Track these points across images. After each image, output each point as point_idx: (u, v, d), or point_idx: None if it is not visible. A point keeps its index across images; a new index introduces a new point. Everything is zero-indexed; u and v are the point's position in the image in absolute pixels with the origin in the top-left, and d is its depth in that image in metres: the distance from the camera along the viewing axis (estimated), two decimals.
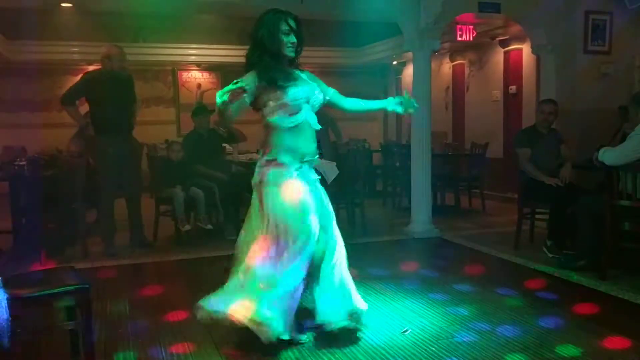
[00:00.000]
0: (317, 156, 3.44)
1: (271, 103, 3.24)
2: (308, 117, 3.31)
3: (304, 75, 3.42)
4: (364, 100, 3.70)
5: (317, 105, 3.39)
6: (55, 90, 10.85)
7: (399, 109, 3.57)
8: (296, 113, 3.26)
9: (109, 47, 5.62)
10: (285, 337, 3.18)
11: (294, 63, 3.40)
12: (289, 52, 3.30)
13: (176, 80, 11.69)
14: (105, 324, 3.66)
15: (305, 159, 3.33)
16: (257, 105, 3.31)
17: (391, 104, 3.60)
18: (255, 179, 3.36)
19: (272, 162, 3.28)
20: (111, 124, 5.51)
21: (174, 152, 6.29)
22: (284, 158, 3.26)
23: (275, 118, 3.26)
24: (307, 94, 3.32)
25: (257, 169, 3.37)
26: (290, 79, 3.28)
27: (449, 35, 8.29)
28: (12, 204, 5.47)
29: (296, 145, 3.28)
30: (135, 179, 5.87)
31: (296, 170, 3.29)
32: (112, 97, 5.51)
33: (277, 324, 3.13)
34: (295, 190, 3.25)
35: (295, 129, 3.27)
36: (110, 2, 5.92)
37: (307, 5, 5.73)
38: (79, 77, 5.00)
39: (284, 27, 3.24)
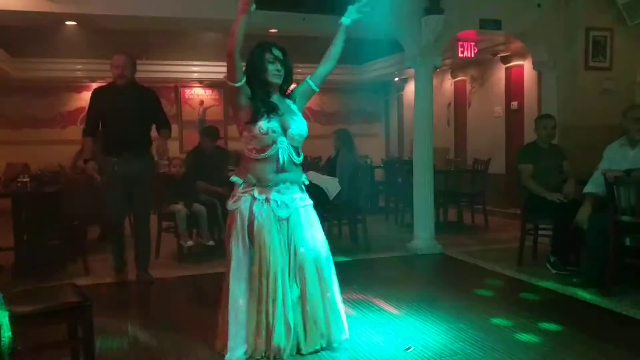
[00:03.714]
0: (294, 185, 3.42)
1: (245, 133, 3.30)
2: (282, 150, 3.30)
3: (293, 107, 3.44)
4: (330, 49, 3.58)
5: (297, 135, 3.36)
6: (59, 107, 10.96)
7: (355, 16, 3.50)
8: (269, 145, 3.27)
9: (114, 56, 5.03)
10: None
11: (283, 91, 3.45)
12: (275, 79, 3.35)
13: (179, 97, 11.76)
14: (106, 341, 3.64)
15: (272, 187, 3.32)
16: (239, 124, 3.35)
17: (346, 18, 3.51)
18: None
19: (245, 191, 3.34)
20: (117, 140, 4.95)
21: (175, 167, 6.31)
22: (246, 183, 3.33)
23: (249, 149, 3.31)
24: (284, 126, 3.31)
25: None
26: (270, 110, 3.28)
27: (450, 51, 8.34)
28: (14, 221, 5.47)
29: (264, 175, 3.30)
30: (144, 203, 5.24)
31: (256, 197, 3.30)
32: (117, 111, 4.92)
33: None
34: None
35: (266, 160, 3.29)
36: (114, 20, 5.95)
37: (308, 23, 5.77)
38: (82, 94, 4.93)
39: (268, 56, 3.33)
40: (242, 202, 3.32)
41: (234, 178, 3.40)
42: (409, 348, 3.45)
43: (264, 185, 3.31)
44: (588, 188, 4.79)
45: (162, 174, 6.63)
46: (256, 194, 3.31)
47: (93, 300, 2.83)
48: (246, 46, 3.26)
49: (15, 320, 2.45)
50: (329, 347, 3.37)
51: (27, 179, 5.53)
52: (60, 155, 8.71)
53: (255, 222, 3.28)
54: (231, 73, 3.21)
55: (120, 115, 4.92)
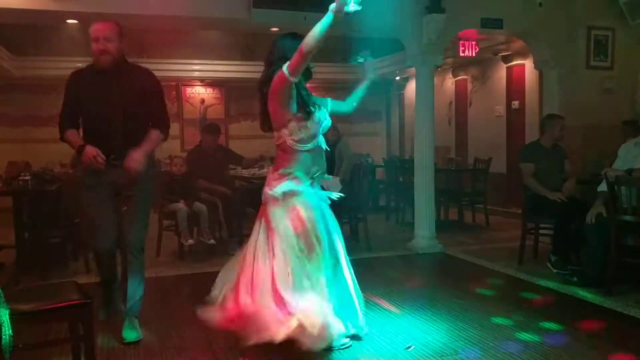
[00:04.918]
0: (326, 175, 3.57)
1: (293, 124, 3.34)
2: (321, 140, 3.47)
3: (316, 99, 3.56)
4: (352, 96, 3.81)
5: (326, 128, 3.53)
6: (60, 106, 10.95)
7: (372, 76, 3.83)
8: (314, 136, 3.40)
9: (92, 25, 3.70)
10: None
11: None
12: (310, 76, 3.48)
13: (180, 96, 11.76)
14: (107, 339, 3.65)
15: (315, 177, 3.46)
16: (278, 123, 3.38)
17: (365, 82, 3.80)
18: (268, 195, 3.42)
19: (287, 175, 3.38)
20: (102, 139, 3.56)
21: (176, 166, 6.31)
22: (299, 174, 3.39)
23: (295, 140, 3.36)
24: (323, 117, 3.47)
25: (267, 185, 3.44)
26: (313, 102, 3.44)
27: (451, 50, 8.33)
28: (15, 219, 5.48)
29: (310, 165, 3.41)
30: (138, 228, 3.71)
31: (306, 186, 3.40)
32: (102, 100, 3.58)
33: None
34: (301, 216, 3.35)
35: (313, 150, 3.41)
36: (116, 18, 5.91)
37: (310, 22, 5.76)
38: None
39: None
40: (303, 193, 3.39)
41: (285, 170, 3.41)
42: (409, 347, 3.46)
43: (309, 179, 3.42)
44: (602, 187, 4.76)
45: (163, 172, 6.63)
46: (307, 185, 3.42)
47: (94, 298, 2.84)
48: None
49: (17, 318, 2.46)
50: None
51: (28, 177, 5.53)
52: (62, 153, 8.69)
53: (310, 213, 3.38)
54: (299, 70, 3.21)
55: (105, 105, 3.58)
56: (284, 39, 3.44)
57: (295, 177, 3.37)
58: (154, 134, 3.68)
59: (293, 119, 3.34)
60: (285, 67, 3.19)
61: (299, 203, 3.34)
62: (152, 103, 3.69)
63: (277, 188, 3.36)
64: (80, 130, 3.70)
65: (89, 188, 3.65)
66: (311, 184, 3.44)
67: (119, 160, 3.53)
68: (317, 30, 3.07)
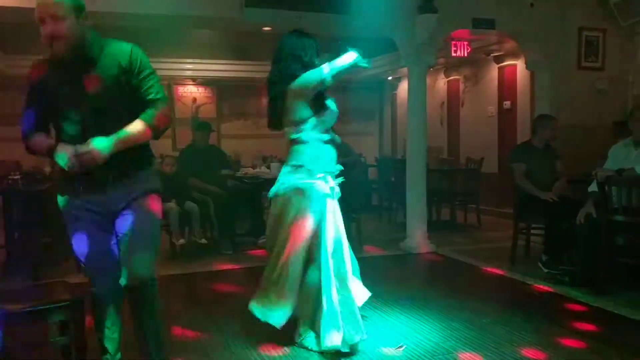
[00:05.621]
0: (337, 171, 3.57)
1: (314, 119, 3.40)
2: (332, 135, 3.52)
3: None
4: None
5: (335, 119, 3.57)
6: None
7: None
8: (327, 130, 3.47)
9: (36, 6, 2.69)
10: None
11: None
12: None
13: (172, 95, 11.72)
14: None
15: (326, 172, 3.46)
16: (292, 118, 3.42)
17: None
18: (279, 189, 3.47)
19: (299, 167, 3.41)
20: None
21: (168, 165, 6.29)
22: (311, 166, 3.40)
23: (312, 133, 3.41)
24: (336, 113, 3.51)
25: (282, 178, 3.48)
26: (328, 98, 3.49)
27: (444, 51, 8.35)
28: (5, 218, 5.44)
29: (323, 159, 3.45)
30: (145, 264, 2.69)
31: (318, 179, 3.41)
32: (69, 101, 2.63)
33: None
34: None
35: (324, 144, 3.45)
36: (107, 18, 5.91)
37: (304, 21, 5.76)
38: None
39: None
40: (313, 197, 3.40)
41: (301, 183, 3.42)
42: (400, 346, 3.46)
43: (323, 175, 3.41)
44: (592, 187, 4.78)
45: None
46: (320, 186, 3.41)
47: (84, 298, 2.82)
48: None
49: (6, 318, 2.44)
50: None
51: (18, 177, 5.50)
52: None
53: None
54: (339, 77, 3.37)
55: (81, 105, 2.62)
56: (290, 37, 3.50)
57: (308, 170, 3.40)
58: (135, 125, 2.61)
59: (314, 114, 3.40)
60: (329, 73, 3.30)
61: (302, 208, 3.38)
62: (138, 85, 2.67)
63: (283, 185, 3.44)
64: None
65: (74, 213, 2.74)
66: (325, 178, 3.44)
67: (107, 178, 2.65)
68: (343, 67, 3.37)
